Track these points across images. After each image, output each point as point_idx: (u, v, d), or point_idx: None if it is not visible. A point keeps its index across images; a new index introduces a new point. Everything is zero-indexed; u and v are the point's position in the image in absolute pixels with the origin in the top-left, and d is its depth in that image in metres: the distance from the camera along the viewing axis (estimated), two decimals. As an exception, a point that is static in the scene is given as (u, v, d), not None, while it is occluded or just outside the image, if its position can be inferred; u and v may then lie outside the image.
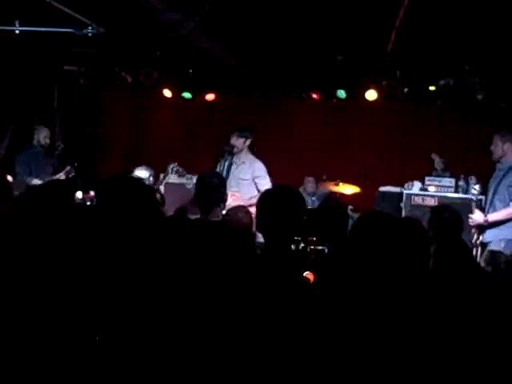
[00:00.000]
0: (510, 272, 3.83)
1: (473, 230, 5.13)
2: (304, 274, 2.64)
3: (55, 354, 2.02)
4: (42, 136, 7.02)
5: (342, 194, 7.64)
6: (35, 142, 7.03)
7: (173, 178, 6.99)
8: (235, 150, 5.80)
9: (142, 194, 2.29)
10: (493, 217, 5.01)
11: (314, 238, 3.64)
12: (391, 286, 1.92)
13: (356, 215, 6.69)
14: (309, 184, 8.00)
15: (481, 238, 5.07)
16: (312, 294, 2.14)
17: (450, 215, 3.89)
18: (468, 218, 5.00)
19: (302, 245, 3.64)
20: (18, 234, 2.73)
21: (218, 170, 5.85)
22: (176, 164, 5.80)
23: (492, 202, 5.11)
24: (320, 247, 3.67)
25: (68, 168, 6.77)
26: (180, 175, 5.75)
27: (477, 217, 5.03)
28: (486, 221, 4.99)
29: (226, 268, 2.32)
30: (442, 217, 3.85)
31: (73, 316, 2.06)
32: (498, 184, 5.12)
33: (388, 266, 1.89)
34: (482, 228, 5.07)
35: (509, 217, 4.98)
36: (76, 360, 1.99)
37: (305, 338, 1.96)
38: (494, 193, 5.11)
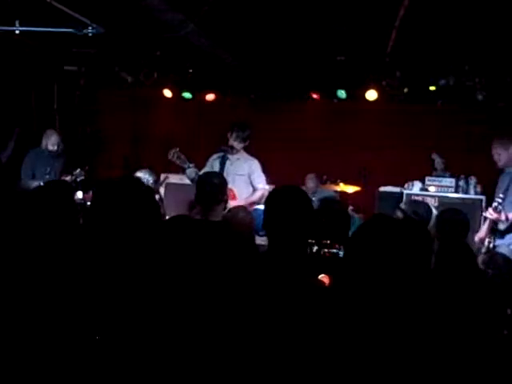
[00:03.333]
0: (510, 270, 3.83)
1: (482, 234, 5.13)
2: (319, 277, 2.62)
3: (55, 353, 2.02)
4: (51, 143, 6.80)
5: (343, 194, 7.64)
6: (43, 145, 6.85)
7: (174, 178, 6.95)
8: (234, 151, 5.79)
9: (140, 193, 2.28)
10: None
11: (328, 241, 3.62)
12: (396, 288, 1.92)
13: (357, 215, 6.70)
14: (310, 181, 7.99)
15: (492, 241, 5.06)
16: (327, 297, 2.12)
17: (459, 217, 3.90)
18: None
19: (316, 247, 3.62)
20: (18, 235, 2.73)
21: (210, 162, 5.85)
22: (177, 150, 5.71)
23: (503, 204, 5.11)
24: (334, 250, 3.66)
25: (77, 171, 6.61)
26: (182, 162, 5.67)
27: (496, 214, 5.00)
28: (506, 218, 4.98)
29: (228, 268, 2.31)
30: (451, 218, 3.86)
31: (73, 316, 2.05)
32: (508, 187, 5.13)
33: (395, 269, 1.89)
34: (494, 232, 5.06)
35: None
36: (76, 360, 1.99)
37: (319, 341, 1.95)
38: (505, 196, 5.11)
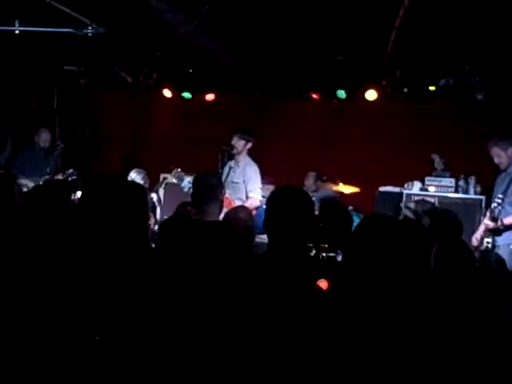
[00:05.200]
0: (502, 270, 3.85)
1: (480, 234, 5.12)
2: (318, 282, 2.59)
3: (55, 353, 2.02)
4: (42, 140, 7.12)
5: (342, 194, 7.64)
6: (36, 144, 7.08)
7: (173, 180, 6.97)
8: (234, 150, 5.80)
9: (126, 191, 2.28)
10: (508, 220, 5.00)
11: (326, 245, 3.61)
12: (395, 289, 1.91)
13: (356, 215, 6.68)
14: (310, 179, 7.99)
15: (490, 241, 5.05)
16: (326, 300, 2.11)
17: (451, 218, 3.90)
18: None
19: (314, 251, 3.61)
20: (15, 234, 2.73)
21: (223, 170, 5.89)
22: (179, 170, 5.81)
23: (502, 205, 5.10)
24: (332, 254, 3.64)
25: (70, 171, 6.77)
26: (180, 179, 5.75)
27: (493, 223, 5.01)
28: (502, 224, 4.98)
29: (226, 270, 2.31)
30: (444, 220, 3.86)
31: (71, 316, 2.05)
32: (508, 187, 5.12)
33: (393, 269, 1.89)
34: (493, 232, 5.06)
35: None
36: (76, 360, 1.99)
37: (317, 345, 1.94)
38: (504, 196, 5.09)
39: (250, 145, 5.89)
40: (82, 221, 2.26)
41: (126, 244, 2.18)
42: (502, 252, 4.87)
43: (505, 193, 5.10)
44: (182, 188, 5.70)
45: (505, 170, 5.36)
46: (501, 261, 3.91)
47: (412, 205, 4.56)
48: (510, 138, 5.40)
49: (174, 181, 5.85)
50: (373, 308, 1.89)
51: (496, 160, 5.35)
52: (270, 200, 2.43)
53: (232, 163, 5.84)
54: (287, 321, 2.03)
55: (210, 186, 3.83)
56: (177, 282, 2.30)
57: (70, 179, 6.70)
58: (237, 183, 5.71)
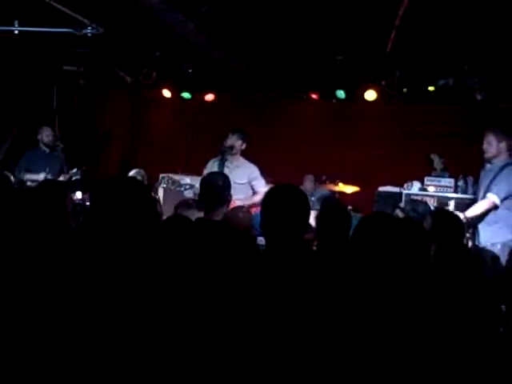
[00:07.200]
0: (496, 267, 3.84)
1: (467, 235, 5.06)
2: None
3: (55, 353, 2.01)
4: (45, 135, 7.02)
5: (342, 194, 7.64)
6: (39, 143, 7.06)
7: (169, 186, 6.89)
8: (234, 150, 5.80)
9: (137, 192, 2.28)
10: (470, 212, 4.90)
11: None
12: (393, 286, 1.92)
13: (356, 215, 6.68)
14: (308, 182, 7.99)
15: (475, 242, 4.97)
16: (327, 295, 2.12)
17: (453, 221, 3.88)
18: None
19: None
20: (11, 233, 2.73)
21: (209, 165, 5.84)
22: (168, 176, 5.72)
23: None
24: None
25: (74, 170, 6.75)
26: (175, 186, 5.68)
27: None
28: (466, 217, 4.86)
29: (229, 267, 2.31)
30: (446, 222, 3.84)
31: (71, 316, 2.05)
32: (490, 184, 5.05)
33: (392, 267, 1.89)
34: (476, 232, 4.97)
35: (484, 209, 4.87)
36: (76, 360, 1.99)
37: (319, 340, 1.95)
38: (486, 192, 5.04)
39: (244, 145, 5.91)
40: (92, 223, 2.26)
41: (132, 244, 2.18)
42: (499, 249, 4.83)
43: (487, 188, 4.94)
44: (181, 192, 5.63)
45: (489, 162, 5.26)
46: (495, 257, 3.90)
47: (402, 204, 4.60)
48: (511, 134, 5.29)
49: (171, 187, 5.74)
50: (374, 302, 1.89)
51: (484, 146, 5.22)
52: (266, 200, 2.44)
53: (226, 163, 5.81)
54: (289, 316, 2.04)
55: (218, 187, 3.82)
56: (178, 280, 2.30)
57: (73, 179, 6.68)
58: (243, 183, 5.70)
